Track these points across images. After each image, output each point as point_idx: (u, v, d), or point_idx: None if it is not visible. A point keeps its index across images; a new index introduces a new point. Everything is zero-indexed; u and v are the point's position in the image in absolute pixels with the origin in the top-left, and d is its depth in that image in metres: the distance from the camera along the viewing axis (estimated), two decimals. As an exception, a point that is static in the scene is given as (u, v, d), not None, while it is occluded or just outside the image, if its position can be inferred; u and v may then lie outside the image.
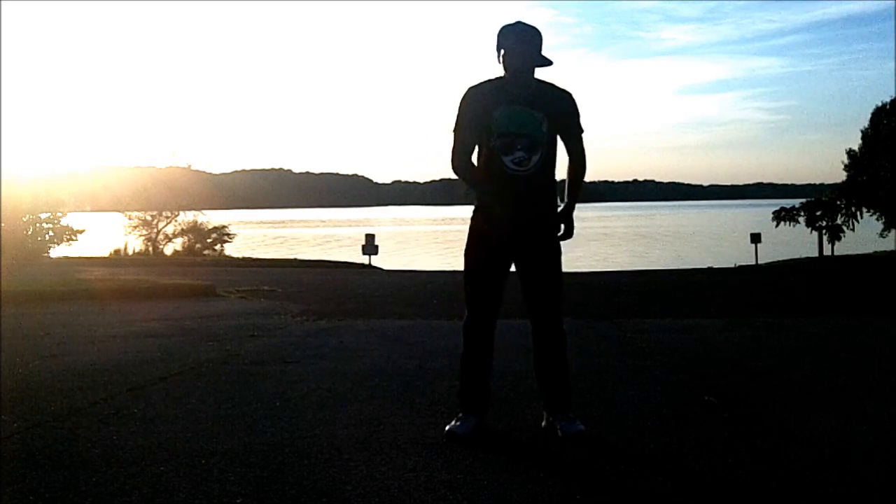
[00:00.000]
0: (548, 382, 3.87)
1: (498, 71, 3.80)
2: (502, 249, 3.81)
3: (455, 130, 3.81)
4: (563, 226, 3.83)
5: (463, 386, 3.90)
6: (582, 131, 3.88)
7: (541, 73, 3.80)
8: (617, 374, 5.43)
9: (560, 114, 3.80)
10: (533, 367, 3.95)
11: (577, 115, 3.86)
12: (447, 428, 3.83)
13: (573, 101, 3.85)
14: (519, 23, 3.74)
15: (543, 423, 3.91)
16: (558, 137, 3.84)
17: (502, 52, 3.71)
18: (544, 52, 3.72)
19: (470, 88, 3.80)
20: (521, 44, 3.68)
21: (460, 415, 3.87)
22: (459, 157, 3.83)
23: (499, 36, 3.73)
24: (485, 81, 3.82)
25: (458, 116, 3.80)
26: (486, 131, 3.75)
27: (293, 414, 4.29)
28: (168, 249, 32.92)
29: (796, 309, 10.06)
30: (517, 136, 3.71)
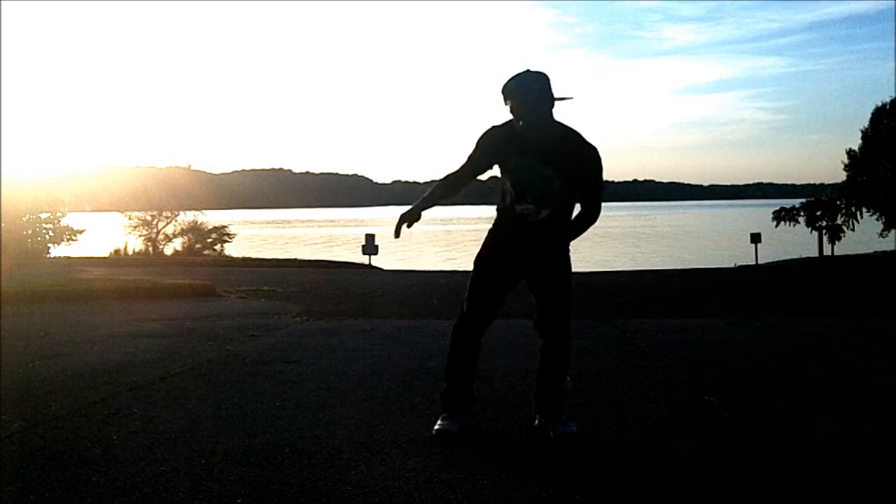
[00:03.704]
0: (545, 389, 3.89)
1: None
2: (510, 260, 3.84)
3: (466, 159, 3.89)
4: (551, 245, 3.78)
5: (450, 387, 3.90)
6: (601, 189, 3.84)
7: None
8: (617, 374, 5.43)
9: (576, 173, 3.73)
10: (536, 372, 3.97)
11: (596, 174, 3.79)
12: (436, 428, 3.83)
13: (595, 159, 3.76)
14: (519, 76, 3.68)
15: (536, 423, 3.94)
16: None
17: (509, 106, 3.70)
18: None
19: (492, 128, 3.82)
20: (525, 101, 3.64)
21: (445, 415, 3.88)
22: (448, 176, 3.93)
23: (502, 92, 3.70)
24: (506, 123, 3.79)
25: (472, 152, 3.86)
26: (504, 175, 3.84)
27: (293, 414, 4.29)
28: (168, 249, 32.90)
29: (796, 309, 10.07)
30: (529, 189, 3.75)
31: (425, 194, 3.96)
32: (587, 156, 3.75)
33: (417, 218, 3.88)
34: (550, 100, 3.68)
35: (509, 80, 3.68)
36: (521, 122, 3.69)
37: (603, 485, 3.19)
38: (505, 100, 3.70)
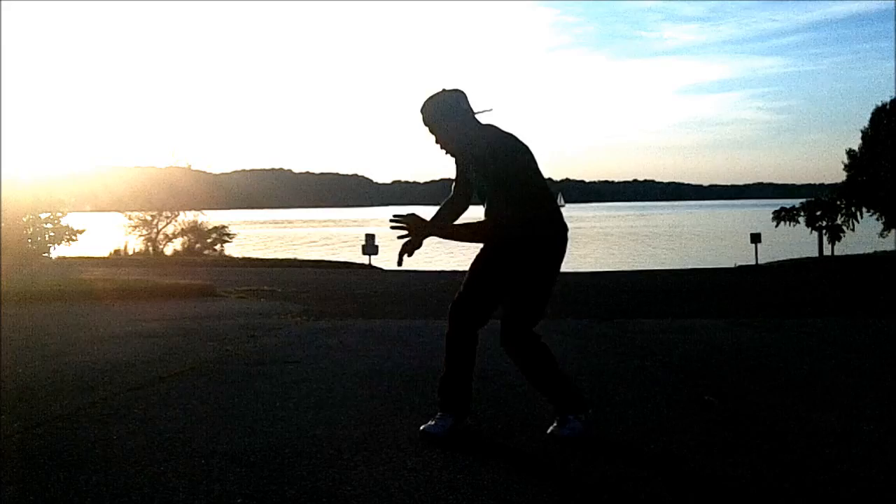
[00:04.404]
0: (538, 389, 3.88)
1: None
2: (497, 266, 3.82)
3: (454, 180, 4.07)
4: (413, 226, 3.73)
5: (445, 386, 3.87)
6: (501, 185, 3.63)
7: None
8: (617, 374, 5.43)
9: (489, 169, 3.68)
10: None
11: (490, 168, 3.65)
12: (422, 427, 3.83)
13: (483, 151, 3.68)
14: (424, 108, 3.76)
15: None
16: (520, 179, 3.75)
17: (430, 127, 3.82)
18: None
19: None
20: (438, 130, 3.76)
21: (438, 415, 3.86)
22: (446, 202, 4.06)
23: (426, 116, 3.80)
24: None
25: (455, 172, 4.03)
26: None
27: (293, 414, 4.29)
28: (168, 249, 32.90)
29: (796, 309, 10.07)
30: (480, 201, 3.87)
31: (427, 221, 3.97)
32: (482, 144, 3.71)
33: (418, 246, 3.86)
34: (464, 117, 3.74)
35: (420, 111, 3.78)
36: (441, 148, 3.83)
37: (603, 484, 3.19)
38: (429, 121, 3.79)
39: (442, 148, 3.84)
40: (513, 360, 3.83)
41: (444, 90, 3.77)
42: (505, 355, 3.87)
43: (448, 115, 3.73)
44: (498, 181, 3.65)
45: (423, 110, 3.78)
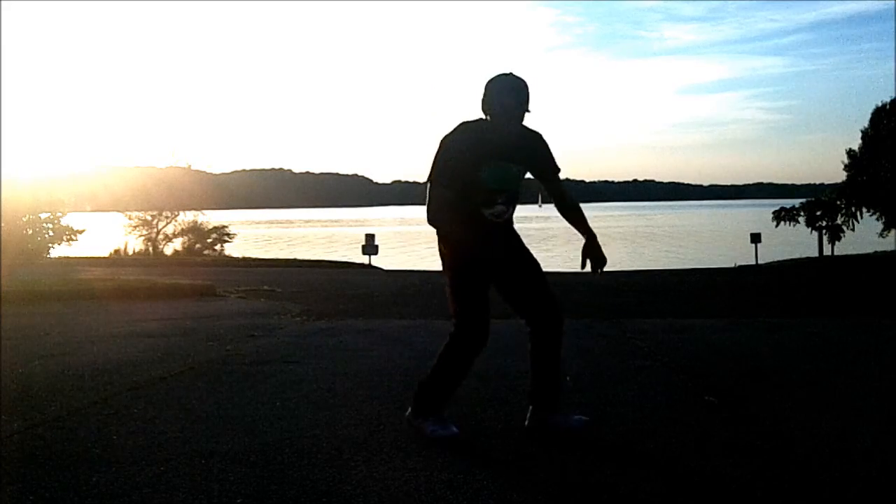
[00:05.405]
0: (541, 378, 3.86)
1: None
2: (487, 262, 3.78)
3: (433, 183, 3.67)
4: (590, 259, 4.02)
5: (437, 394, 3.83)
6: (557, 171, 3.90)
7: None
8: (617, 374, 5.43)
9: (534, 161, 3.82)
10: (530, 366, 3.94)
11: (549, 157, 3.86)
12: (433, 432, 3.78)
13: (543, 143, 3.84)
14: (508, 76, 3.66)
15: (527, 423, 3.91)
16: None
17: (490, 106, 3.65)
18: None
19: (461, 133, 3.67)
20: (510, 103, 3.61)
21: (431, 419, 3.80)
22: (438, 212, 3.68)
23: (487, 89, 3.65)
24: (464, 129, 3.68)
25: (438, 168, 3.66)
26: (470, 184, 3.68)
27: (293, 414, 4.29)
28: (168, 249, 32.91)
29: (796, 309, 10.07)
30: (500, 193, 3.75)
31: (448, 231, 3.76)
32: (537, 142, 3.82)
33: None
34: (525, 107, 3.68)
35: (498, 80, 3.65)
36: (490, 119, 3.65)
37: (603, 485, 3.19)
38: (487, 95, 3.64)
39: (509, 131, 3.65)
40: (544, 337, 3.83)
41: (514, 74, 3.68)
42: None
43: (524, 104, 3.67)
44: (552, 166, 3.87)
45: (510, 84, 3.64)
